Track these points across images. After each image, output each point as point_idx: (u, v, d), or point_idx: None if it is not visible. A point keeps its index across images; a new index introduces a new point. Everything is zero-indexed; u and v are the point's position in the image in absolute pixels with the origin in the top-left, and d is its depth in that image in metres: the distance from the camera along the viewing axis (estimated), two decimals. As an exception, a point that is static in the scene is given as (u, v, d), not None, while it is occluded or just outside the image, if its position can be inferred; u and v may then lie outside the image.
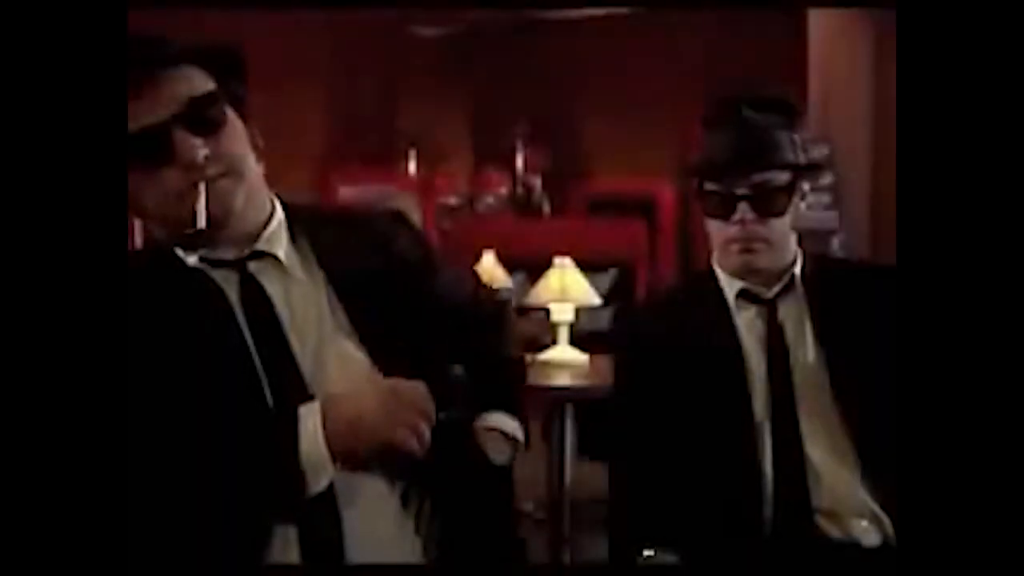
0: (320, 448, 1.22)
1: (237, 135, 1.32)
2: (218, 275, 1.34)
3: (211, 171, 1.27)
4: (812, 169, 1.86)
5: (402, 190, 7.15)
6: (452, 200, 8.30)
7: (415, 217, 4.17)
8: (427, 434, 1.24)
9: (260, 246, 1.35)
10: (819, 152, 5.09)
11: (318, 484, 1.23)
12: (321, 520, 1.27)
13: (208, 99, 1.29)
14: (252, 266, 1.35)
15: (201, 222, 1.26)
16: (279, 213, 1.40)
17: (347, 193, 6.57)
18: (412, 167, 8.11)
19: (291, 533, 1.26)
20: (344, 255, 1.40)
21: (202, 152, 1.26)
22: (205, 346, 1.29)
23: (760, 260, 1.77)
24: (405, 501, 1.33)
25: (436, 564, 1.33)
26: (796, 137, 1.78)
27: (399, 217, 1.54)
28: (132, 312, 1.24)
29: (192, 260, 1.34)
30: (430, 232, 6.81)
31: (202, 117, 1.28)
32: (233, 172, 1.30)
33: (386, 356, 1.34)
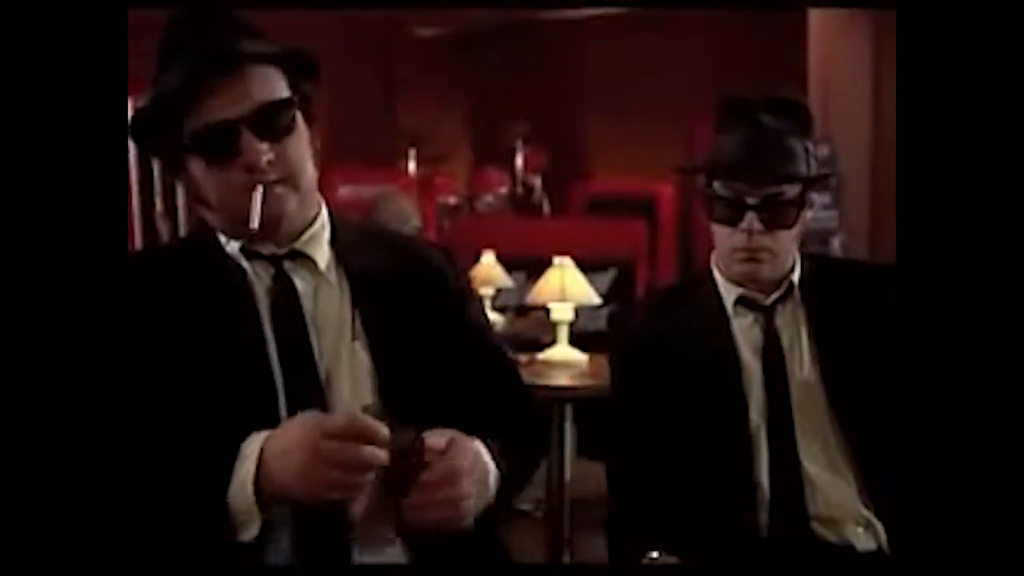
0: (248, 495, 1.16)
1: (301, 142, 1.34)
2: (253, 266, 1.36)
3: (271, 176, 1.30)
4: (821, 180, 1.83)
5: (403, 189, 7.16)
6: (452, 199, 8.31)
7: (415, 217, 4.17)
8: (360, 482, 1.15)
9: (299, 246, 1.38)
10: (820, 152, 5.08)
11: (248, 532, 1.18)
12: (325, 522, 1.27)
13: (280, 105, 1.31)
14: (287, 264, 1.37)
15: (255, 224, 1.29)
16: (324, 216, 1.42)
17: (347, 193, 6.56)
18: (412, 167, 8.11)
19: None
20: (383, 272, 1.41)
21: (266, 156, 1.28)
22: (222, 335, 1.30)
23: (763, 270, 1.75)
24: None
25: (431, 565, 1.33)
26: (809, 145, 1.75)
27: (448, 254, 1.56)
28: (155, 293, 1.31)
29: (232, 248, 1.37)
30: (430, 232, 6.81)
31: (272, 122, 1.30)
32: (291, 179, 1.32)
33: (394, 375, 1.35)
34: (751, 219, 1.71)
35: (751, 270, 1.75)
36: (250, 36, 1.32)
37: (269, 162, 1.29)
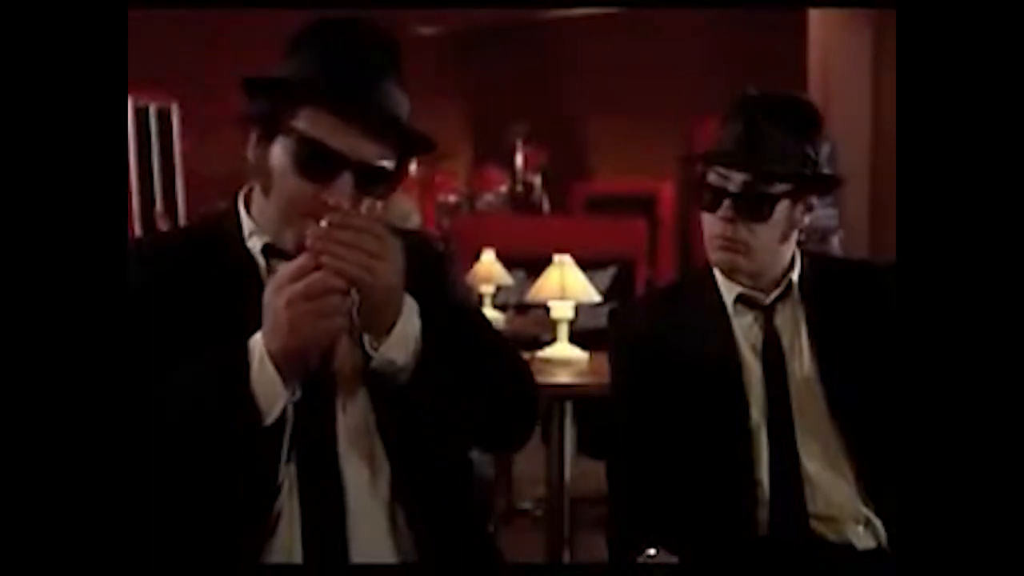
0: (268, 373, 1.21)
1: (375, 207, 1.37)
2: (271, 262, 1.38)
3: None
4: (822, 182, 1.83)
5: (403, 187, 7.17)
6: (452, 198, 8.31)
7: (415, 215, 4.18)
8: (336, 303, 1.20)
9: None
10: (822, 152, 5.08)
11: (275, 411, 1.23)
12: (325, 516, 1.29)
13: (385, 174, 1.34)
14: None
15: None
16: None
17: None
18: (412, 165, 8.10)
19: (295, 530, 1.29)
20: None
21: (345, 204, 1.30)
22: (226, 327, 1.30)
23: (739, 261, 1.76)
24: (392, 503, 1.35)
25: (426, 565, 1.34)
26: (809, 148, 1.75)
27: (426, 238, 1.59)
28: (168, 274, 1.33)
29: (253, 244, 1.38)
30: (430, 230, 6.81)
31: (369, 182, 1.32)
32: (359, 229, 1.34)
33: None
34: (726, 207, 1.73)
35: (727, 259, 1.77)
36: (397, 82, 1.36)
37: (343, 206, 1.30)
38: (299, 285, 1.19)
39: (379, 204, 1.38)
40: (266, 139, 1.34)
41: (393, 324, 1.27)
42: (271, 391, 1.22)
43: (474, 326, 1.46)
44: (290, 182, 1.32)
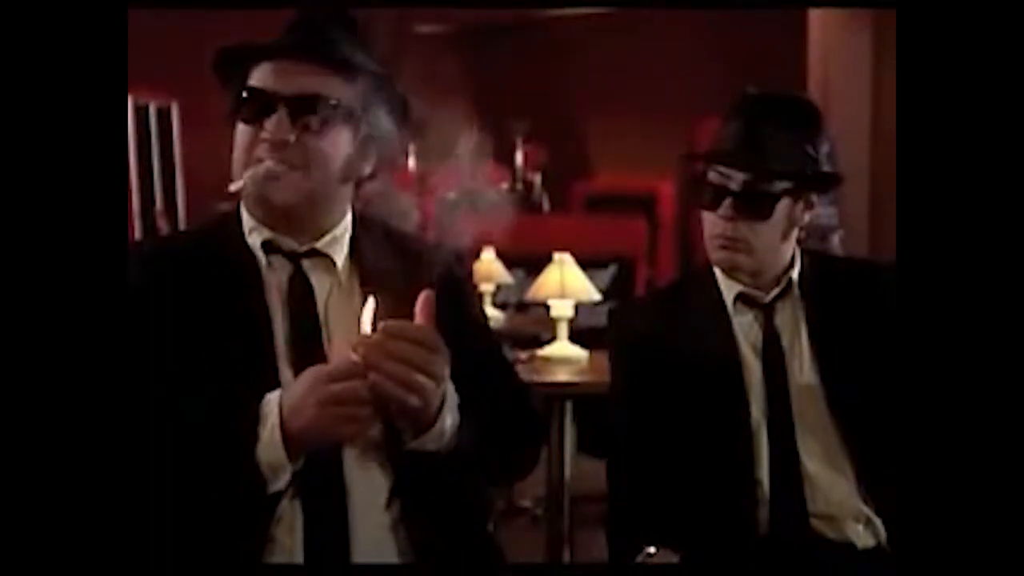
0: (278, 449, 1.20)
1: (334, 148, 1.37)
2: (271, 259, 1.39)
3: (291, 160, 1.33)
4: (822, 180, 1.83)
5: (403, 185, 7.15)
6: (452, 195, 8.29)
7: (414, 213, 4.17)
8: (367, 413, 1.18)
9: (320, 246, 1.42)
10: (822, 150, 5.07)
11: (279, 483, 1.23)
12: (326, 516, 1.30)
13: (322, 103, 1.34)
14: (306, 263, 1.41)
15: (233, 186, 1.34)
16: (347, 221, 1.46)
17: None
18: (412, 163, 8.10)
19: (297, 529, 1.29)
20: (395, 273, 1.42)
21: (289, 135, 1.32)
22: (229, 326, 1.32)
23: (740, 260, 1.76)
24: (390, 503, 1.35)
25: (426, 565, 1.34)
26: (810, 147, 1.75)
27: (459, 257, 1.58)
28: (170, 277, 1.34)
29: (253, 240, 1.40)
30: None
31: (309, 113, 1.34)
32: (307, 173, 1.35)
33: None
34: (727, 206, 1.72)
35: (728, 258, 1.76)
36: (361, 50, 1.40)
37: (286, 143, 1.32)
38: (335, 387, 1.16)
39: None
40: (232, 114, 1.38)
41: (431, 425, 1.25)
42: (276, 461, 1.21)
43: (497, 370, 1.50)
44: (240, 135, 1.36)
